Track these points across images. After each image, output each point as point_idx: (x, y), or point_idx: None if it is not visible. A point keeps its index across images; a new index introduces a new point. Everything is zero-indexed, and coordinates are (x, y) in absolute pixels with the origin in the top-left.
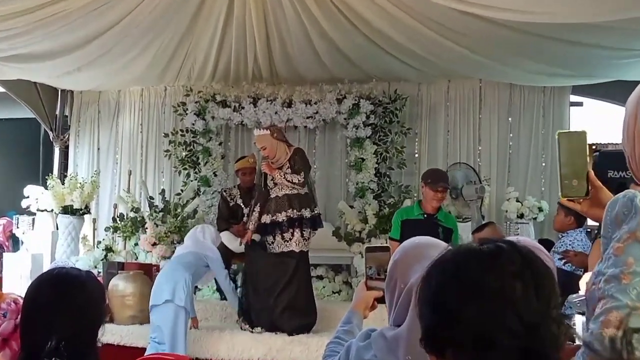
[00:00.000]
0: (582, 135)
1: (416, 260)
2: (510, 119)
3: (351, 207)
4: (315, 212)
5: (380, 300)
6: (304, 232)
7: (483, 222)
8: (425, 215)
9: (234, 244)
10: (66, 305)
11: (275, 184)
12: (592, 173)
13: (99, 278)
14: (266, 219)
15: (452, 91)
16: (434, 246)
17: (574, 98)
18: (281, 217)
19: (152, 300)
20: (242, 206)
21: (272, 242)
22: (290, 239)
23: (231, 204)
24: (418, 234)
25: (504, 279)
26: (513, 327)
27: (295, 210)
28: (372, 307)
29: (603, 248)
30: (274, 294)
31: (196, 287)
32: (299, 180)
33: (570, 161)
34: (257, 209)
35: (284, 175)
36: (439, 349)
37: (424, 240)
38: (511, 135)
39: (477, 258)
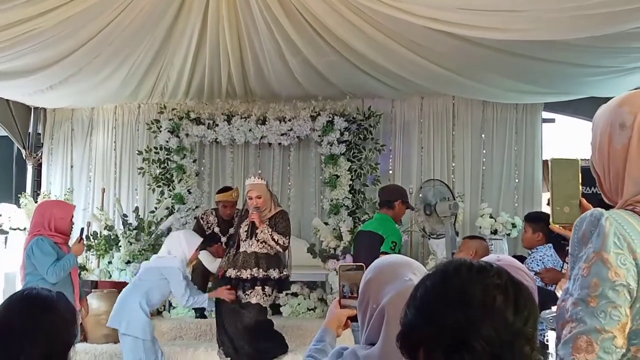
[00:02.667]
0: (574, 162)
1: (389, 280)
2: (483, 135)
3: (326, 223)
4: (284, 273)
5: (354, 318)
6: (265, 288)
7: (471, 235)
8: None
9: (213, 264)
10: (36, 326)
11: (250, 237)
12: (584, 201)
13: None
14: (231, 273)
15: (425, 108)
16: (407, 265)
17: (546, 115)
18: (245, 274)
19: (110, 322)
20: (220, 234)
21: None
22: (251, 293)
23: (207, 232)
24: None
25: (487, 290)
26: (487, 334)
27: (261, 270)
28: (345, 326)
29: (570, 266)
30: (237, 338)
31: (170, 304)
32: (283, 242)
33: (562, 188)
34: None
35: (271, 233)
36: (412, 347)
37: (397, 260)
38: (484, 151)
39: (466, 268)
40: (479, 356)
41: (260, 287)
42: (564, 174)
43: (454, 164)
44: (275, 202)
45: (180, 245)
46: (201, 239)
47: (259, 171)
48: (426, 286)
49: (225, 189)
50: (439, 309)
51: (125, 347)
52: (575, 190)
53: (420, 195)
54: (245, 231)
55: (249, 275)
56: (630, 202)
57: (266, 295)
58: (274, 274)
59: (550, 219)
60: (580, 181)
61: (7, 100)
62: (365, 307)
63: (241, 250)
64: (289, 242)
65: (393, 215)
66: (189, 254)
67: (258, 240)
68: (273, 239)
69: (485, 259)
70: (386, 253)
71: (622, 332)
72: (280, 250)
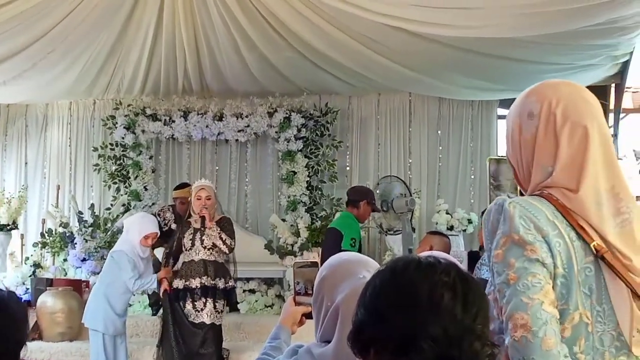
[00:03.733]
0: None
1: (344, 278)
2: (439, 132)
3: (283, 220)
4: (230, 284)
5: (309, 315)
6: (216, 304)
7: (433, 230)
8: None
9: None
10: None
11: (194, 245)
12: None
13: (27, 294)
14: (179, 283)
15: (382, 104)
16: (362, 263)
17: (501, 111)
18: (195, 283)
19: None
20: (176, 230)
21: (183, 309)
22: (202, 309)
23: (164, 229)
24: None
25: (435, 288)
26: (435, 334)
27: (209, 279)
28: (300, 323)
29: (488, 263)
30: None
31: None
32: (230, 244)
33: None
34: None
35: (219, 232)
36: (363, 347)
37: (352, 257)
38: (440, 148)
39: (414, 265)
40: (428, 356)
41: (211, 304)
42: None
43: (410, 160)
44: (220, 208)
45: (134, 227)
46: (157, 230)
47: (216, 168)
48: (375, 285)
49: (183, 185)
50: (387, 308)
51: (91, 344)
52: None
53: (378, 191)
54: (190, 239)
55: (198, 284)
56: (539, 188)
57: (218, 312)
58: (220, 283)
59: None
60: None
61: None
62: (320, 305)
63: (187, 259)
64: (234, 246)
65: (357, 214)
66: (138, 237)
67: (205, 247)
68: (221, 238)
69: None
70: (347, 250)
71: (547, 298)
72: (227, 251)
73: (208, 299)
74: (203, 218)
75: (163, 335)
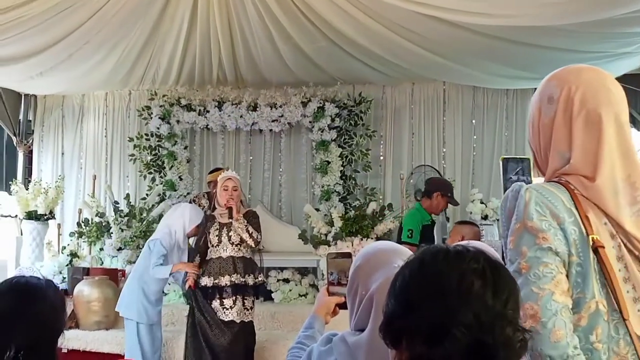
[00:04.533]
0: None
1: (378, 267)
2: (474, 121)
3: (317, 210)
4: (259, 279)
5: (342, 306)
6: (245, 301)
7: (462, 220)
8: (431, 221)
9: None
10: (25, 314)
11: (221, 241)
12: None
13: (64, 283)
14: (207, 281)
15: (416, 94)
16: (396, 252)
17: None
18: (224, 280)
19: (117, 306)
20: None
21: (211, 306)
22: (232, 307)
23: None
24: (430, 237)
25: (464, 275)
26: (467, 321)
27: (239, 276)
28: (334, 313)
29: (503, 249)
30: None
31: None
32: (257, 237)
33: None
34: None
35: (247, 225)
36: (395, 337)
37: (387, 246)
38: (475, 137)
39: (443, 254)
40: (460, 343)
41: (240, 301)
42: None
43: (444, 150)
44: (244, 203)
45: (182, 217)
46: (202, 219)
47: (250, 157)
48: (404, 275)
49: (217, 169)
50: (417, 298)
51: (126, 332)
52: None
53: (412, 181)
54: (217, 235)
55: (228, 282)
56: (556, 175)
57: (247, 310)
58: (250, 280)
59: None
60: None
61: None
62: (354, 294)
63: (214, 256)
64: (261, 239)
65: (429, 205)
66: (188, 227)
67: (232, 243)
68: (248, 231)
69: (454, 245)
70: (406, 243)
71: (558, 288)
72: (253, 245)
73: (238, 296)
74: (230, 210)
75: (190, 332)
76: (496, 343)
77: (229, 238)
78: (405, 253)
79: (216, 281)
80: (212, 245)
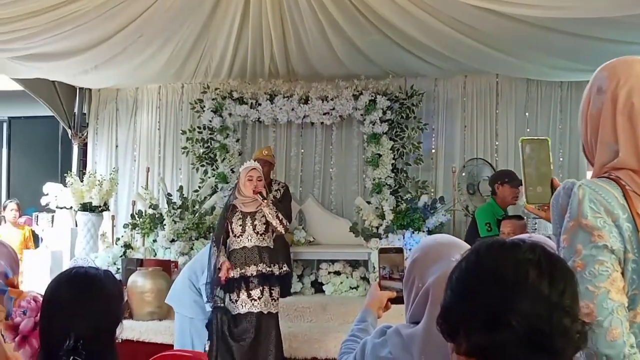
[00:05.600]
0: (544, 142)
1: (435, 260)
2: (527, 114)
3: (368, 202)
4: (284, 269)
5: (394, 300)
6: (272, 291)
7: (508, 215)
8: (504, 215)
9: None
10: (84, 305)
11: (245, 231)
12: (556, 180)
13: (118, 274)
14: (234, 272)
15: (468, 86)
16: (454, 246)
17: None
18: (250, 270)
19: (167, 299)
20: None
21: (236, 300)
22: (259, 298)
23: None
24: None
25: (520, 265)
26: (523, 309)
27: (265, 265)
28: (386, 308)
29: (556, 247)
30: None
31: None
32: (287, 224)
33: (534, 168)
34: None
35: (277, 211)
36: (452, 329)
37: (444, 239)
38: (528, 130)
39: (499, 246)
40: (517, 332)
41: (267, 292)
42: (535, 154)
43: (497, 143)
44: (271, 194)
45: None
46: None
47: (302, 150)
48: (461, 268)
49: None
50: (474, 289)
51: (176, 325)
52: (547, 170)
53: (464, 174)
54: (240, 225)
55: (254, 272)
56: (606, 170)
57: (274, 300)
58: (275, 270)
59: (524, 200)
60: (551, 160)
61: (52, 81)
62: (411, 286)
63: (237, 247)
64: (289, 226)
65: (497, 199)
66: None
67: (257, 233)
68: (278, 217)
69: (515, 237)
70: (486, 236)
71: (614, 286)
72: (283, 232)
73: (265, 287)
74: (260, 195)
75: (216, 327)
76: (553, 332)
77: (254, 227)
78: (463, 247)
79: (242, 271)
80: (235, 236)
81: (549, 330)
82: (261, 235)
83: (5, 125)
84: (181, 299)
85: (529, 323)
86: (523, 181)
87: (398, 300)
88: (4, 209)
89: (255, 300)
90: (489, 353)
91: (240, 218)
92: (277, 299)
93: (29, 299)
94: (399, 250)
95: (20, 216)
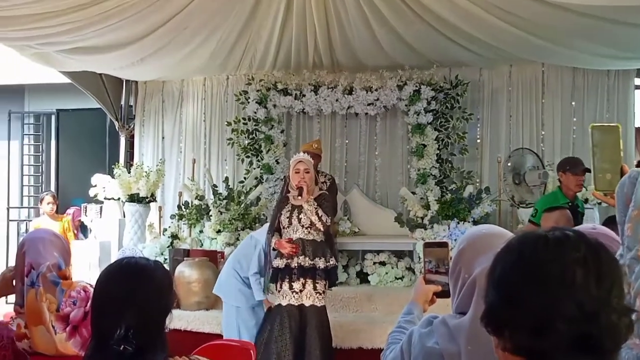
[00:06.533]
0: (615, 129)
1: (482, 251)
2: (573, 103)
3: (413, 193)
4: (330, 262)
5: (440, 294)
6: (317, 285)
7: (551, 206)
8: (570, 204)
9: None
10: (135, 295)
11: (291, 223)
12: (625, 167)
13: (165, 264)
14: (279, 263)
15: (514, 76)
16: (501, 236)
17: (638, 81)
18: (294, 263)
19: (214, 289)
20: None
21: (279, 291)
22: (301, 291)
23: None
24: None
25: (565, 265)
26: (570, 313)
27: (307, 259)
28: (431, 302)
29: (620, 235)
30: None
31: None
32: (326, 220)
33: (604, 155)
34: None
35: (317, 207)
36: (497, 328)
37: (491, 230)
38: (575, 119)
39: (542, 243)
40: (565, 336)
41: (310, 285)
42: (605, 141)
43: (543, 133)
44: (318, 186)
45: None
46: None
47: (346, 141)
48: (503, 264)
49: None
50: (518, 290)
51: (223, 315)
52: (616, 157)
53: (509, 164)
54: (288, 217)
55: (296, 264)
56: None
57: (319, 294)
58: (320, 263)
59: (593, 186)
60: (621, 147)
61: (99, 74)
62: (457, 277)
63: (284, 238)
64: (330, 223)
65: (563, 187)
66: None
67: (303, 226)
68: (317, 214)
69: (580, 228)
70: (530, 221)
71: None
72: (322, 228)
73: (307, 279)
74: (300, 190)
75: (267, 316)
76: (601, 333)
77: (299, 220)
78: (509, 237)
79: (288, 261)
80: (283, 227)
81: (597, 332)
82: (307, 228)
83: (53, 118)
84: (227, 289)
85: (577, 326)
86: (592, 168)
87: (443, 294)
88: (41, 202)
89: (297, 292)
90: (535, 354)
91: (289, 210)
92: (323, 292)
93: (79, 289)
94: (444, 245)
95: (57, 208)
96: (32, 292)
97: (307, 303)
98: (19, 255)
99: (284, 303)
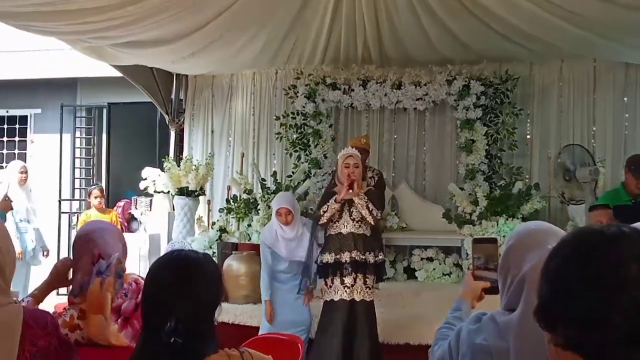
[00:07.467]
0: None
1: (531, 247)
2: (626, 98)
3: (461, 189)
4: (379, 257)
5: (488, 290)
6: (367, 279)
7: (594, 204)
8: (633, 201)
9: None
10: (185, 288)
11: (341, 217)
12: None
13: (214, 258)
14: (328, 257)
15: (565, 71)
16: (551, 233)
17: None
18: (345, 257)
19: None
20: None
21: (330, 286)
22: (352, 285)
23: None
24: (627, 219)
25: (621, 260)
26: (627, 307)
27: (359, 253)
28: (480, 298)
29: None
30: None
31: None
32: (377, 214)
33: None
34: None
35: (367, 201)
36: (550, 323)
37: (541, 227)
38: (627, 115)
39: (598, 238)
40: (619, 331)
41: (361, 279)
42: None
43: (594, 129)
44: (366, 181)
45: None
46: (287, 205)
47: (394, 136)
48: (558, 260)
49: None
50: (573, 285)
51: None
52: None
53: (559, 160)
54: (338, 210)
55: (348, 258)
56: None
57: (369, 288)
58: (370, 258)
59: None
60: None
61: (151, 68)
62: (506, 274)
63: (333, 232)
64: (380, 217)
65: (626, 184)
66: (274, 216)
67: (353, 220)
68: (368, 208)
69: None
70: None
71: None
72: (372, 222)
73: (358, 274)
74: (352, 184)
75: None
76: None
77: (350, 214)
78: (559, 234)
79: (337, 257)
80: (332, 221)
81: None
82: (357, 222)
83: (105, 111)
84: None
85: (632, 322)
86: None
87: (492, 290)
88: (89, 195)
89: (348, 287)
90: (588, 348)
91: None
92: (372, 287)
93: (130, 281)
94: (494, 241)
95: (105, 201)
96: (97, 281)
97: (358, 298)
98: (81, 245)
99: (336, 298)
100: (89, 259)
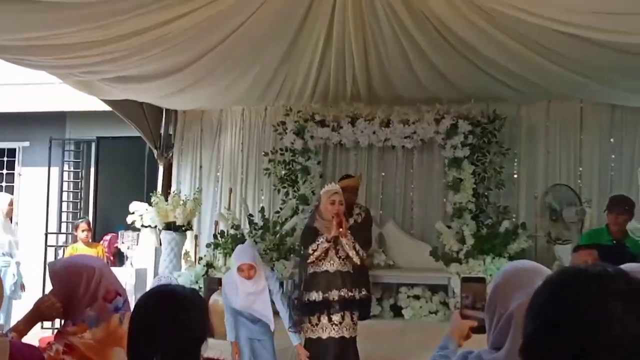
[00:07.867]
0: None
1: (518, 286)
2: (612, 139)
3: (449, 227)
4: (363, 293)
5: (476, 330)
6: (353, 316)
7: (578, 245)
8: (615, 242)
9: None
10: (172, 322)
11: (327, 255)
12: None
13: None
14: (316, 296)
15: (552, 112)
16: (537, 272)
17: None
18: (333, 295)
19: None
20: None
21: (316, 324)
22: (340, 323)
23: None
24: (608, 259)
25: (606, 297)
26: (610, 344)
27: (347, 291)
28: (467, 337)
29: None
30: None
31: None
32: (363, 255)
33: None
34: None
35: (354, 242)
36: (536, 359)
37: (527, 266)
38: (613, 156)
39: (583, 276)
40: None
41: (349, 317)
42: None
43: (580, 169)
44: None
45: (232, 259)
46: (249, 260)
47: (382, 174)
48: (543, 297)
49: (347, 176)
50: (558, 321)
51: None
52: None
53: (546, 200)
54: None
55: (336, 297)
56: None
57: (355, 324)
58: (357, 295)
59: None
60: None
61: (140, 102)
62: (493, 312)
63: (319, 270)
64: (365, 257)
65: (608, 224)
66: (234, 271)
67: (339, 258)
68: (354, 248)
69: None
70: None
71: None
72: (358, 262)
73: (346, 312)
74: (339, 224)
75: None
76: None
77: (337, 252)
78: (545, 273)
79: (325, 295)
80: (318, 259)
81: None
82: (343, 260)
83: (93, 145)
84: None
85: (616, 357)
86: None
87: (480, 329)
88: (76, 229)
89: (337, 325)
90: None
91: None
92: (357, 322)
93: None
94: (482, 280)
95: (92, 235)
96: (115, 317)
97: (347, 335)
98: (85, 281)
99: (324, 336)
100: (90, 296)
